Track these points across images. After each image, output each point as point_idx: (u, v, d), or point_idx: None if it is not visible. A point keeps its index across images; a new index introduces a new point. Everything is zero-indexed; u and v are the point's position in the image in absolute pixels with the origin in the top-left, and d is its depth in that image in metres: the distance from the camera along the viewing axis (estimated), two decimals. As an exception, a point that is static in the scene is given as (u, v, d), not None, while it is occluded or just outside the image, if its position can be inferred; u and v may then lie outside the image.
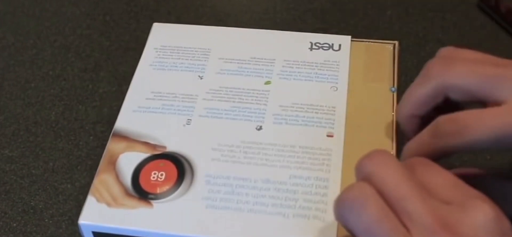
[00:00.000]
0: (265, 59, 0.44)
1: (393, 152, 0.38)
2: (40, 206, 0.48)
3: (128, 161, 0.38)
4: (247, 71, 0.43)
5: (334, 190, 0.36)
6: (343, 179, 0.37)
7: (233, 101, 0.41)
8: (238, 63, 0.44)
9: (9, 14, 0.64)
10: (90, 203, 0.36)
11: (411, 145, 0.36)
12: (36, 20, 0.63)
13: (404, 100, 0.37)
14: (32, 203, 0.48)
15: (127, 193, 0.37)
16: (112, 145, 0.39)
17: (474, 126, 0.33)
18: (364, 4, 0.62)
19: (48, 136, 0.52)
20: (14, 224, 0.47)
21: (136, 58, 0.59)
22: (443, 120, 0.34)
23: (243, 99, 0.41)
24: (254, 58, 0.44)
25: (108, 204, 0.36)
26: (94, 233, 0.36)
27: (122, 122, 0.41)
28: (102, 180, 0.37)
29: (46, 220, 0.47)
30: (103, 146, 0.50)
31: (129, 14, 0.63)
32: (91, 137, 0.52)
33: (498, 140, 0.33)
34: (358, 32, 0.59)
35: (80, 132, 0.52)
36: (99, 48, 0.59)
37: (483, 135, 0.33)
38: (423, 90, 0.36)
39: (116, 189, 0.37)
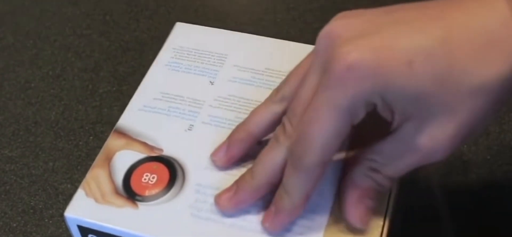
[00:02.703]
0: (279, 71, 0.42)
1: None
2: (40, 206, 0.48)
3: (124, 159, 0.38)
4: (259, 82, 0.41)
5: (322, 215, 0.35)
6: (333, 206, 0.35)
7: (239, 111, 0.40)
8: (251, 72, 0.42)
9: (9, 14, 0.64)
10: (79, 196, 0.36)
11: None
12: (36, 20, 0.63)
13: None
14: (32, 203, 0.48)
15: (116, 191, 0.36)
16: (111, 141, 0.39)
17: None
18: (365, 3, 0.62)
19: (48, 136, 0.52)
20: (14, 224, 0.47)
21: (136, 58, 0.59)
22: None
23: (249, 110, 0.39)
24: (269, 69, 0.42)
25: (96, 200, 0.36)
26: (79, 227, 0.36)
27: (126, 119, 0.40)
28: (95, 175, 0.37)
29: (46, 220, 0.47)
30: (103, 146, 0.50)
31: (129, 14, 0.63)
32: (91, 137, 0.52)
33: None
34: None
35: (80, 132, 0.52)
36: (99, 48, 0.59)
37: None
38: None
39: (106, 186, 0.36)
